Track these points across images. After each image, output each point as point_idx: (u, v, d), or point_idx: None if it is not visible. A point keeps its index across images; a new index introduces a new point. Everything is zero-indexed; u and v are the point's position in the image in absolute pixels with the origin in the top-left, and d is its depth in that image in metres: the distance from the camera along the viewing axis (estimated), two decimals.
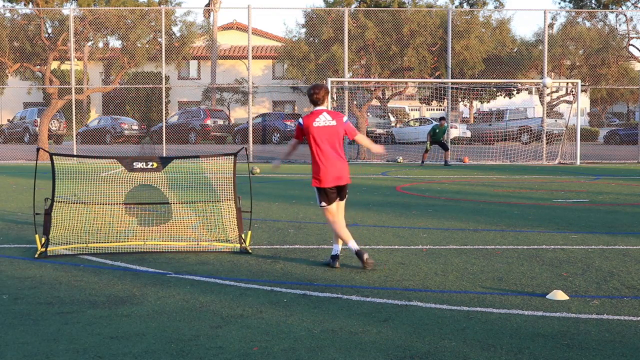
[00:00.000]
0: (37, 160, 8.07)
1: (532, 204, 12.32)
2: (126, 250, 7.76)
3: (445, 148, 23.83)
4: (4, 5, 28.63)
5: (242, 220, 8.09)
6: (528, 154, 26.02)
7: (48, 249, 7.55)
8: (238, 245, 7.84)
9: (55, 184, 7.82)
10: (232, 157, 8.21)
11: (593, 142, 37.62)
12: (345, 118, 7.03)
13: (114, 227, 8.21)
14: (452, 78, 25.89)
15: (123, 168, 7.95)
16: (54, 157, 7.87)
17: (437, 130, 23.45)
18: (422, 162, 23.94)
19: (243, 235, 7.94)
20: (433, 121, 36.63)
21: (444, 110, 32.90)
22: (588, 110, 52.36)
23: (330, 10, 27.12)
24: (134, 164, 7.84)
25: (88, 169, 8.83)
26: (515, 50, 30.23)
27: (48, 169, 8.01)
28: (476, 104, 47.33)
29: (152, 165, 7.86)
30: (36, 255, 7.43)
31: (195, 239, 8.09)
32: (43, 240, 7.62)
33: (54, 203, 7.78)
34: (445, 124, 23.92)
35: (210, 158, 8.61)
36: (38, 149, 8.02)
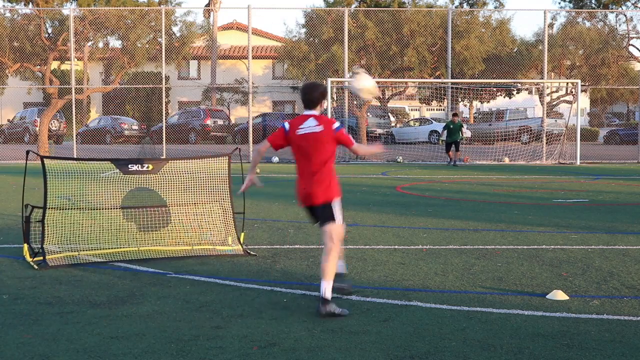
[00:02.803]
0: (26, 162, 7.58)
1: (532, 204, 12.32)
2: (122, 258, 7.51)
3: (457, 148, 23.50)
4: (4, 5, 28.65)
5: (236, 221, 8.04)
6: (528, 153, 26.03)
7: (47, 257, 7.21)
8: (236, 247, 7.82)
9: (47, 189, 7.43)
10: (227, 157, 8.17)
11: (593, 142, 37.61)
12: (336, 125, 5.70)
13: (112, 232, 8.04)
14: (452, 78, 25.89)
15: (118, 170, 7.77)
16: (46, 160, 7.49)
17: (452, 127, 22.79)
18: (451, 161, 23.13)
19: (240, 237, 7.91)
20: (433, 121, 36.69)
21: (444, 110, 32.91)
22: (588, 110, 52.35)
23: (330, 10, 27.13)
24: (129, 166, 7.73)
25: (83, 172, 8.72)
26: (515, 50, 30.23)
27: (43, 170, 7.76)
28: (476, 104, 47.31)
29: (148, 167, 7.78)
30: (35, 267, 7.04)
31: (191, 242, 8.01)
32: (36, 250, 7.28)
33: (47, 209, 7.40)
34: (458, 120, 23.34)
35: (204, 159, 8.51)
36: (27, 152, 7.54)
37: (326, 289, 5.32)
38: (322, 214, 5.64)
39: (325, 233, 5.57)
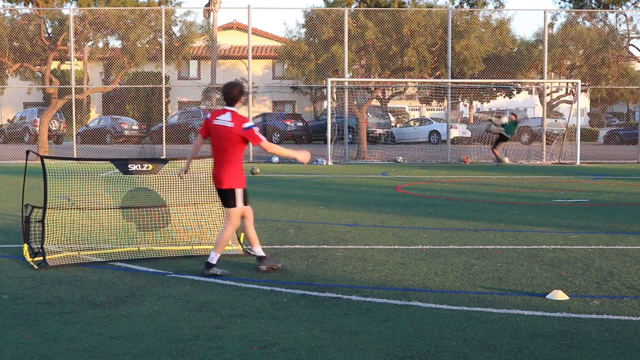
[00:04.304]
0: (26, 162, 7.59)
1: (532, 204, 12.32)
2: (122, 258, 7.49)
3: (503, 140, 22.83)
4: (4, 5, 28.63)
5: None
6: (528, 154, 26.02)
7: (47, 257, 7.19)
8: (236, 247, 7.81)
9: (47, 189, 7.38)
10: None
11: (593, 142, 37.61)
12: (247, 124, 6.60)
13: (112, 232, 8.03)
14: (452, 78, 25.89)
15: (118, 170, 7.75)
16: (46, 160, 7.41)
17: (509, 123, 22.56)
18: (498, 160, 22.89)
19: (240, 237, 7.90)
20: (433, 121, 36.70)
21: (444, 110, 32.89)
22: (588, 110, 52.35)
23: (330, 10, 27.11)
24: (129, 166, 7.72)
25: (83, 171, 8.70)
26: (515, 50, 30.21)
27: (43, 169, 7.74)
28: (476, 104, 47.29)
29: (147, 167, 7.77)
30: (35, 267, 7.02)
31: (190, 242, 7.99)
32: (36, 250, 7.26)
33: (47, 209, 7.36)
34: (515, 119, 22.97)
35: (204, 159, 8.49)
36: (27, 152, 7.54)
37: (214, 257, 6.59)
38: (226, 198, 6.67)
39: (227, 214, 6.74)
